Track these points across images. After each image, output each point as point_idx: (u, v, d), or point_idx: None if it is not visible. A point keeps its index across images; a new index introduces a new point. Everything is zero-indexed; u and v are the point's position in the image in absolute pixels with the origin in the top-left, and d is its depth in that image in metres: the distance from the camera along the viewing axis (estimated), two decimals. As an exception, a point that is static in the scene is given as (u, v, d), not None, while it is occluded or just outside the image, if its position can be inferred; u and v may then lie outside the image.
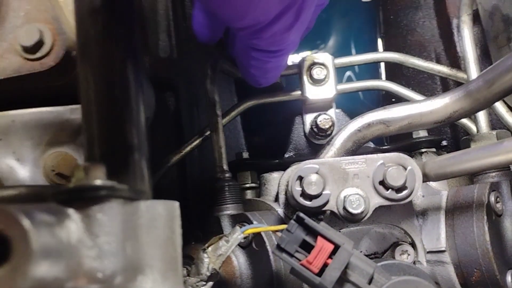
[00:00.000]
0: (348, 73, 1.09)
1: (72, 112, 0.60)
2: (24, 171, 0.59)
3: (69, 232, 0.36)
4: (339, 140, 0.64)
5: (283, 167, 0.73)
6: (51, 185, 0.57)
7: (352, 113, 0.83)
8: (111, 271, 0.38)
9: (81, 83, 0.49)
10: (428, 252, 0.65)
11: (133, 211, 0.42)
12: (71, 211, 0.38)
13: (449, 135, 0.86)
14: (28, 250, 0.32)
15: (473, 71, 0.72)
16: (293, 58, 1.00)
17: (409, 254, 0.66)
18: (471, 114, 0.62)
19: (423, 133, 0.79)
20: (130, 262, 0.41)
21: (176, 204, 0.48)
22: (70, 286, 0.37)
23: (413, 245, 0.67)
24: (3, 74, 0.55)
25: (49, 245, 0.34)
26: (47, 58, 0.55)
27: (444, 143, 0.80)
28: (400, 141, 0.82)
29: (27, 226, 0.32)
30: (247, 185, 0.82)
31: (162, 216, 0.45)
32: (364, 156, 0.61)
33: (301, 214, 0.54)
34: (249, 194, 0.81)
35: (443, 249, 0.63)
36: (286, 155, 0.87)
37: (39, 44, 0.54)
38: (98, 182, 0.39)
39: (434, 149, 0.79)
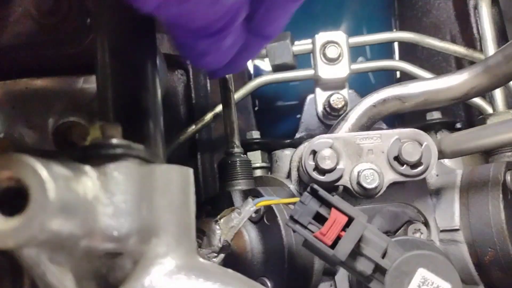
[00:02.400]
0: (360, 59, 1.08)
1: (85, 81, 0.60)
2: (36, 138, 0.59)
3: (85, 188, 0.36)
4: (354, 115, 0.63)
5: (294, 147, 0.72)
6: (65, 150, 0.57)
7: (364, 95, 0.83)
8: (127, 230, 0.38)
9: (97, 49, 0.49)
10: (442, 231, 0.65)
11: (148, 173, 0.42)
12: (87, 168, 0.37)
13: (463, 118, 0.85)
14: (45, 200, 0.31)
15: (491, 50, 0.71)
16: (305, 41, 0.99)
17: (421, 233, 0.65)
18: (489, 90, 0.61)
19: (436, 115, 0.78)
20: (145, 224, 0.40)
21: (190, 171, 0.48)
22: (85, 243, 0.37)
23: (426, 224, 0.66)
24: (18, 39, 0.54)
25: (65, 198, 0.33)
26: (62, 24, 0.54)
27: (458, 125, 0.79)
28: (414, 122, 0.81)
29: (45, 176, 0.31)
30: (257, 165, 0.82)
31: (176, 181, 0.45)
32: (379, 131, 0.60)
33: (315, 186, 0.53)
34: (259, 174, 0.81)
35: (457, 227, 0.62)
36: (297, 135, 0.87)
37: (54, 8, 0.53)
38: (114, 140, 0.39)
39: (448, 132, 0.78)
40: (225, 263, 0.57)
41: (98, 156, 0.38)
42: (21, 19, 0.54)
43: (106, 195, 0.38)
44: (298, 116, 0.88)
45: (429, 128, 0.79)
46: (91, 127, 0.40)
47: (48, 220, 0.32)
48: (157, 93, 0.50)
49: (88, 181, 0.37)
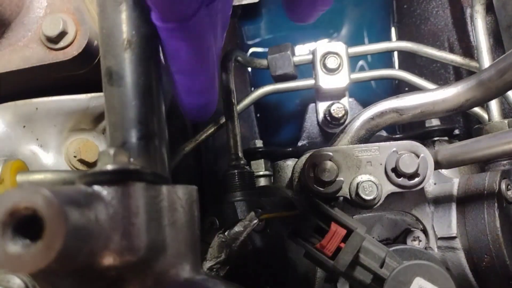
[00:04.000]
0: (360, 62, 1.09)
1: (93, 100, 0.62)
2: (47, 157, 0.61)
3: (97, 213, 0.38)
4: (353, 128, 0.65)
5: (297, 155, 0.74)
6: (75, 171, 0.59)
7: (364, 103, 0.85)
8: (136, 251, 0.40)
9: (103, 71, 0.51)
10: (439, 239, 0.66)
11: (155, 194, 0.44)
12: (98, 193, 0.40)
13: (462, 124, 0.87)
14: (61, 229, 0.34)
15: (486, 60, 0.72)
16: (307, 47, 1.01)
17: (420, 240, 0.67)
18: (483, 103, 0.63)
19: (435, 122, 0.80)
20: (153, 243, 0.43)
21: (195, 189, 0.50)
22: (98, 264, 0.39)
23: (424, 231, 0.68)
24: (28, 63, 0.57)
25: (79, 225, 0.35)
26: (70, 48, 0.57)
27: (457, 132, 0.81)
28: (413, 129, 0.82)
29: (59, 206, 0.34)
30: (261, 173, 0.84)
31: (182, 200, 0.47)
32: (377, 143, 0.62)
33: (315, 200, 0.55)
34: (262, 182, 0.83)
35: (454, 235, 0.64)
36: (300, 144, 0.89)
37: (62, 34, 0.55)
38: (123, 166, 0.41)
39: (446, 138, 0.80)
40: (230, 274, 0.59)
41: (108, 181, 0.40)
42: (30, 43, 0.56)
43: (117, 219, 0.40)
44: (300, 123, 0.90)
45: (428, 135, 0.81)
46: (100, 153, 0.42)
47: (63, 246, 0.34)
48: (162, 112, 0.53)
49: (100, 205, 0.39)
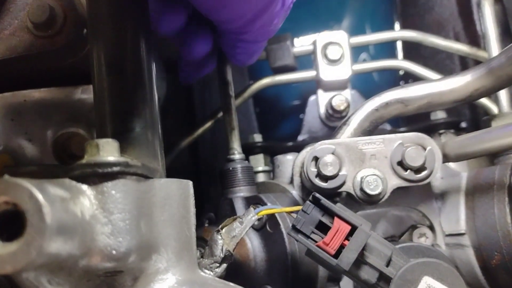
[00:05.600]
0: (363, 55, 1.07)
1: (83, 91, 0.60)
2: (35, 151, 0.58)
3: (82, 208, 0.36)
4: (356, 119, 0.62)
5: (297, 149, 0.71)
6: (62, 165, 0.56)
7: (367, 95, 0.82)
8: (125, 249, 0.38)
9: (93, 60, 0.48)
10: (447, 235, 0.64)
11: (147, 189, 0.41)
12: (84, 187, 0.37)
13: (468, 117, 0.84)
14: (42, 224, 0.31)
15: (495, 48, 0.70)
16: (306, 39, 0.98)
17: (427, 237, 0.65)
18: (492, 92, 0.60)
19: (441, 115, 0.77)
20: (144, 241, 0.40)
21: (189, 183, 0.47)
22: (84, 263, 0.37)
23: (431, 228, 0.65)
24: (15, 52, 0.54)
25: (63, 220, 0.33)
26: (58, 36, 0.54)
27: (463, 125, 0.78)
28: (418, 122, 0.80)
29: (41, 200, 0.31)
30: (260, 169, 0.81)
31: (176, 195, 0.45)
32: (382, 136, 0.59)
33: (317, 195, 0.52)
34: (261, 177, 0.80)
35: (462, 231, 0.62)
36: (300, 138, 0.86)
37: (50, 21, 0.53)
38: (111, 158, 0.38)
39: (452, 131, 0.77)
40: (228, 272, 0.56)
41: (95, 174, 0.37)
42: (17, 32, 0.54)
43: (104, 214, 0.37)
44: (301, 116, 0.87)
45: (434, 128, 0.78)
46: (87, 144, 0.39)
47: (46, 243, 0.31)
48: (155, 104, 0.50)
49: (86, 200, 0.37)
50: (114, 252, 0.37)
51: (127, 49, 0.49)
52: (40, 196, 0.31)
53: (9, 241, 0.31)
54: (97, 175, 0.37)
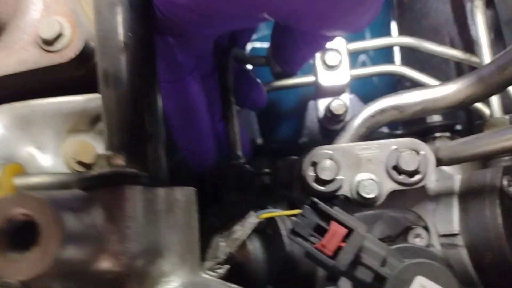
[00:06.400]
0: (362, 57, 1.08)
1: (89, 101, 0.62)
2: (45, 159, 0.61)
3: (93, 218, 0.38)
4: (353, 126, 0.65)
5: (297, 153, 0.73)
6: (73, 173, 0.59)
7: (365, 98, 0.84)
8: (133, 255, 0.40)
9: (100, 73, 0.51)
10: (441, 236, 0.66)
11: (152, 197, 0.44)
12: (95, 197, 0.40)
13: (463, 119, 0.86)
14: (57, 235, 0.33)
15: (486, 55, 0.72)
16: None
17: (422, 238, 0.67)
18: (483, 99, 0.62)
19: (437, 118, 0.79)
20: (150, 246, 0.43)
21: (193, 190, 0.50)
22: (94, 268, 0.39)
23: (426, 228, 0.67)
24: (24, 66, 0.56)
25: (76, 229, 0.35)
26: (66, 50, 0.56)
27: (458, 127, 0.80)
28: (414, 125, 0.82)
29: (56, 212, 0.33)
30: (262, 171, 0.83)
31: (180, 202, 0.47)
32: (378, 141, 0.61)
33: (315, 199, 0.55)
34: (263, 180, 0.83)
35: (456, 232, 0.64)
36: (300, 141, 0.88)
37: (59, 36, 0.55)
38: (121, 169, 0.41)
39: (448, 134, 0.79)
40: (230, 273, 0.59)
41: (105, 185, 0.40)
42: (26, 46, 0.56)
43: (114, 222, 0.40)
44: (301, 120, 0.89)
45: (429, 130, 0.80)
46: (97, 157, 0.41)
47: (59, 252, 0.34)
48: (159, 114, 0.52)
49: (96, 210, 0.39)
50: (123, 258, 0.40)
51: (133, 62, 0.51)
52: (54, 209, 0.33)
53: (23, 248, 0.34)
54: (107, 186, 0.40)
